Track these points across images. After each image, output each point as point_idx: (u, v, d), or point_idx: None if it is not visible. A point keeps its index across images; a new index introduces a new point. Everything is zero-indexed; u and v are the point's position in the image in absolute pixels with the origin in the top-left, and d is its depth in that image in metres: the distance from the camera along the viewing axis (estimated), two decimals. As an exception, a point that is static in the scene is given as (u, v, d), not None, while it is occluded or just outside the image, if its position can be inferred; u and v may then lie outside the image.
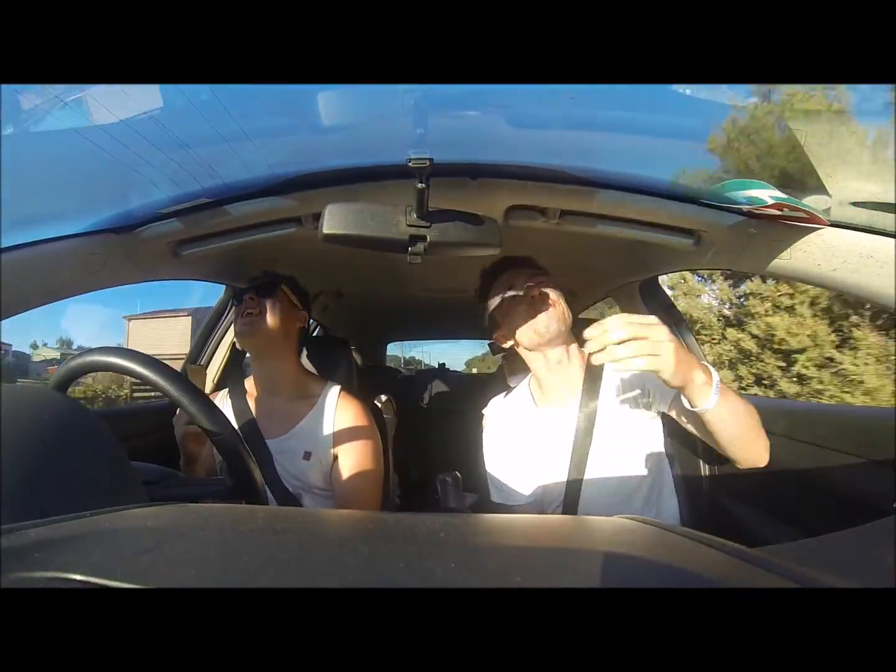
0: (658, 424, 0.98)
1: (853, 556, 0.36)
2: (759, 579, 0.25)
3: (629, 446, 0.95)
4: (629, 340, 0.63)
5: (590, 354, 0.65)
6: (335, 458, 1.05)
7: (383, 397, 2.51)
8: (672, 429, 0.99)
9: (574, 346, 1.02)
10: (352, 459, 1.04)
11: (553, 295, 0.97)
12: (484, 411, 1.15)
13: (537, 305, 0.95)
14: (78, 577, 0.21)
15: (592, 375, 0.99)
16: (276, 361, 1.09)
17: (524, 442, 1.02)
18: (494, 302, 1.01)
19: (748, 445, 0.78)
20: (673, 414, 0.93)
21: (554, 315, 0.95)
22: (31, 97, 0.68)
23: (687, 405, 0.74)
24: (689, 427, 0.88)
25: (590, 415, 0.96)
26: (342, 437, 1.06)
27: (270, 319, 1.05)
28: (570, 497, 0.95)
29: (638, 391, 0.96)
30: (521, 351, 1.03)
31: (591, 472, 0.94)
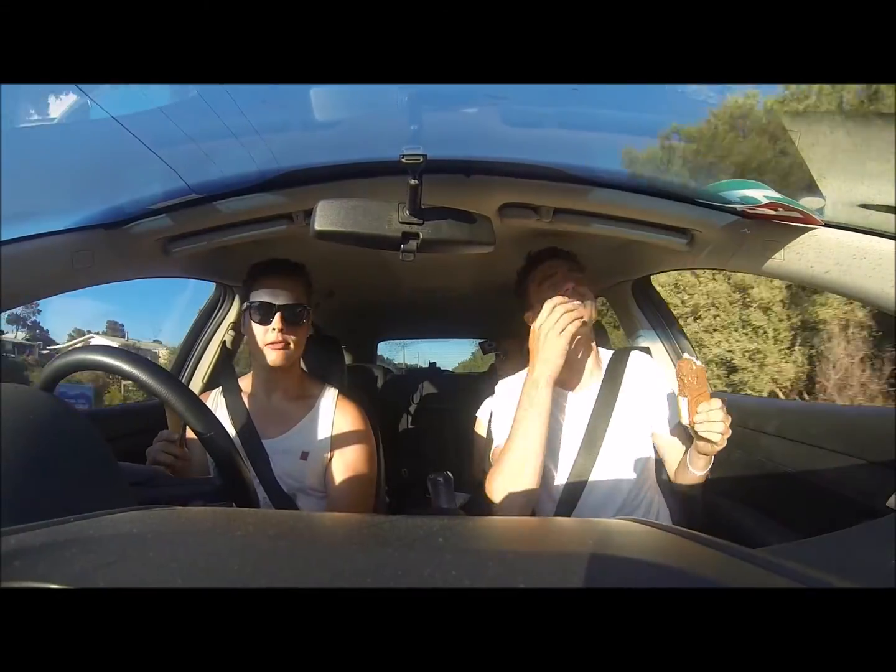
0: (649, 435, 1.08)
1: (853, 556, 0.36)
2: (760, 579, 0.25)
3: (637, 438, 1.05)
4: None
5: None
6: (331, 458, 1.05)
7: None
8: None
9: (591, 343, 1.10)
10: (347, 461, 1.04)
11: (584, 293, 1.01)
12: (496, 388, 1.17)
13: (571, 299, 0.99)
14: (58, 588, 0.20)
15: (613, 372, 1.09)
16: (285, 368, 1.08)
17: None
18: (533, 286, 1.07)
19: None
20: (656, 439, 1.09)
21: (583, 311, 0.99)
22: (24, 94, 0.67)
23: (687, 463, 0.95)
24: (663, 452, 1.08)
25: (608, 401, 1.04)
26: (340, 438, 1.05)
27: (299, 344, 1.06)
28: (578, 473, 1.00)
29: (645, 403, 1.06)
30: None
31: (603, 454, 1.01)
